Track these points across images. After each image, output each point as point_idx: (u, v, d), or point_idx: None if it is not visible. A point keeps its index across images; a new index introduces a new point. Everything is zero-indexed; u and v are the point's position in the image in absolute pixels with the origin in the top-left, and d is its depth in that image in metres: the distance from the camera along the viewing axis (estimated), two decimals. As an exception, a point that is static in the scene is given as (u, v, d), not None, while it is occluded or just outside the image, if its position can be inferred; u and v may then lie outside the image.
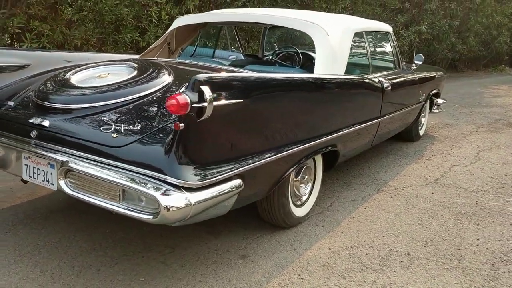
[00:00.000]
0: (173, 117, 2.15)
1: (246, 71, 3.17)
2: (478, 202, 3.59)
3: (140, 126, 2.20)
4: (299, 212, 3.02)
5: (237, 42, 5.14)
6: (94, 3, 5.45)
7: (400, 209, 3.40)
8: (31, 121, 2.41)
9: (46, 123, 2.36)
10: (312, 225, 3.07)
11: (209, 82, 1.90)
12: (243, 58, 4.75)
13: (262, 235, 2.89)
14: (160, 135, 2.12)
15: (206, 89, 1.86)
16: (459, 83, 11.83)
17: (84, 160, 2.16)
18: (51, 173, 2.29)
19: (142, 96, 2.44)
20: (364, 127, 3.51)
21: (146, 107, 2.39)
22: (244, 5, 7.54)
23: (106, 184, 2.06)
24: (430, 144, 5.37)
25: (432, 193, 3.74)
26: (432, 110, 5.69)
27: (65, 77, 2.71)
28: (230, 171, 2.14)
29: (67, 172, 2.20)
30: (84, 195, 2.15)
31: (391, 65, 4.42)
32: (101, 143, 2.17)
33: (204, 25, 4.12)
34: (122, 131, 2.18)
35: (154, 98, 2.46)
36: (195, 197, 1.96)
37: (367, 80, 3.56)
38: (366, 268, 2.57)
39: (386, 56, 4.47)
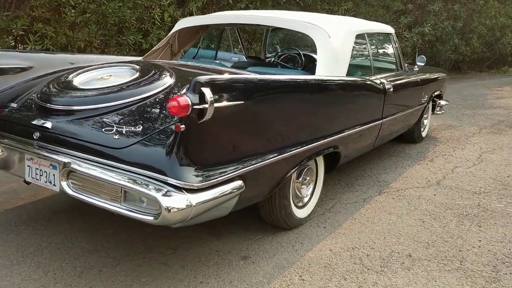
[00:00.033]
0: (175, 119, 2.16)
1: (248, 72, 3.17)
2: (480, 203, 3.59)
3: (141, 127, 2.22)
4: (300, 213, 3.02)
5: (239, 43, 5.15)
6: (97, 5, 5.48)
7: (402, 210, 3.40)
8: (33, 122, 2.43)
9: (48, 124, 2.38)
10: (314, 226, 3.07)
11: (210, 84, 1.91)
12: (246, 60, 4.76)
13: (263, 236, 2.89)
14: (162, 136, 2.14)
15: (207, 91, 1.88)
16: (462, 85, 11.81)
17: (86, 161, 2.18)
18: (54, 174, 2.31)
19: (143, 98, 2.46)
20: (366, 128, 3.52)
21: (147, 109, 2.40)
22: (246, 7, 7.56)
23: (108, 185, 2.08)
24: (432, 145, 5.36)
25: (434, 195, 3.74)
26: (435, 112, 5.68)
27: (67, 79, 2.73)
28: (231, 173, 2.15)
29: (69, 173, 2.22)
30: (86, 196, 2.17)
31: (393, 66, 4.43)
32: (103, 145, 2.18)
33: (206, 27, 4.14)
34: (124, 132, 2.20)
35: (156, 100, 2.47)
36: (196, 198, 1.97)
37: (368, 82, 3.56)
38: (367, 269, 2.57)
39: (388, 58, 4.47)
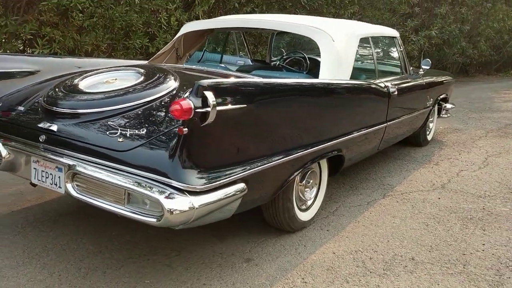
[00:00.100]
0: (178, 122, 2.18)
1: (252, 76, 3.20)
2: (485, 207, 3.58)
3: (145, 130, 2.24)
4: (304, 216, 3.03)
5: (245, 47, 5.18)
6: (104, 10, 5.53)
7: (406, 214, 3.40)
8: (40, 125, 2.47)
9: (54, 127, 2.42)
10: (317, 229, 3.08)
11: (213, 87, 1.94)
12: (251, 64, 4.78)
13: (267, 239, 2.91)
14: (165, 139, 2.16)
15: (209, 95, 1.90)
16: (469, 88, 11.76)
17: (91, 163, 2.21)
18: (59, 177, 2.34)
19: (148, 101, 2.49)
20: (370, 132, 3.52)
21: (151, 112, 2.43)
22: (252, 11, 7.59)
23: (112, 188, 2.11)
24: (438, 149, 5.35)
25: (439, 198, 3.73)
26: (441, 115, 5.66)
27: (73, 82, 2.77)
28: (234, 175, 2.16)
29: (74, 175, 2.25)
30: (90, 198, 2.20)
31: (398, 70, 4.43)
32: (107, 147, 2.21)
33: (212, 31, 4.17)
34: (128, 135, 2.22)
35: (160, 103, 2.50)
36: (198, 201, 1.99)
37: (372, 85, 3.57)
38: (370, 272, 2.57)
39: (393, 61, 4.48)
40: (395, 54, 4.47)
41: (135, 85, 2.64)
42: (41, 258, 2.57)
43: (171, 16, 6.33)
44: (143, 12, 5.96)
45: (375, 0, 10.13)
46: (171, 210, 1.92)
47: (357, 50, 3.53)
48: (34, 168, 2.46)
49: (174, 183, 1.98)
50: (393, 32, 4.49)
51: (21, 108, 2.72)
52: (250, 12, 7.48)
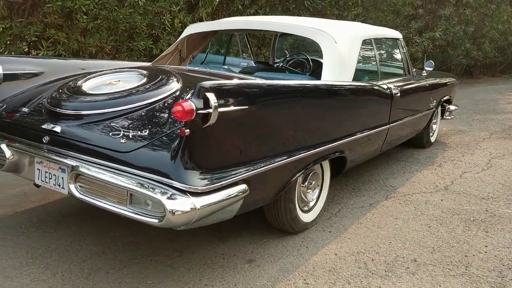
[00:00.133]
0: (180, 123, 2.20)
1: (254, 78, 3.21)
2: (488, 209, 3.57)
3: (147, 132, 2.26)
4: (306, 217, 3.04)
5: (248, 49, 5.19)
6: (108, 12, 5.56)
7: (408, 215, 3.40)
8: (43, 126, 2.49)
9: (57, 128, 2.43)
10: (319, 230, 3.09)
11: (215, 89, 1.95)
12: (254, 65, 4.79)
13: (269, 240, 2.91)
14: (167, 140, 2.17)
15: (211, 96, 1.91)
16: (474, 90, 11.73)
17: (93, 164, 2.22)
18: (62, 178, 2.36)
19: (150, 102, 2.50)
20: (373, 133, 3.52)
21: (154, 114, 2.44)
22: (256, 13, 7.61)
23: (114, 188, 2.12)
24: (441, 150, 5.34)
25: (442, 200, 3.73)
26: (444, 117, 5.66)
27: (77, 84, 2.78)
28: (236, 176, 2.17)
29: (77, 176, 2.26)
30: (93, 198, 2.21)
31: (401, 71, 4.43)
32: (109, 148, 2.23)
33: (215, 32, 4.19)
34: (130, 136, 2.24)
35: (162, 104, 2.51)
36: (200, 202, 2.00)
37: (375, 87, 3.57)
38: (372, 274, 2.58)
39: (396, 63, 4.48)
40: (398, 55, 4.47)
41: (138, 86, 2.66)
42: (44, 259, 2.59)
43: (174, 18, 6.35)
44: (147, 14, 5.98)
45: (378, 2, 10.12)
46: (173, 211, 1.94)
47: (359, 52, 3.53)
48: (38, 169, 2.48)
49: (176, 184, 1.99)
50: (396, 34, 4.49)
51: (25, 109, 2.75)
52: (254, 14, 7.50)
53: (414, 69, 4.79)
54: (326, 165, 3.17)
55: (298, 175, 2.71)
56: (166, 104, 2.52)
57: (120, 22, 5.67)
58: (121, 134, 2.26)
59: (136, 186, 2.05)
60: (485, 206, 3.63)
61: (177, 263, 2.60)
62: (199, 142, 2.01)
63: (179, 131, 1.98)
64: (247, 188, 2.24)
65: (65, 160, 2.32)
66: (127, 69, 3.13)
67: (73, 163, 2.27)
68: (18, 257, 2.60)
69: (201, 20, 6.67)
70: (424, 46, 11.23)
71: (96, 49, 5.65)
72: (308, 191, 3.03)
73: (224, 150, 2.16)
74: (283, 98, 2.50)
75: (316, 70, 4.00)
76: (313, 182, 3.07)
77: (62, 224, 3.02)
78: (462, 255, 2.82)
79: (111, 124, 2.37)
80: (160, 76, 2.80)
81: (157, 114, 2.45)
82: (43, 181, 2.47)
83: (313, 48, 5.27)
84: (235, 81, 2.33)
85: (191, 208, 1.97)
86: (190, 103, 1.88)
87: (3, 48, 5.14)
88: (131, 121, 2.38)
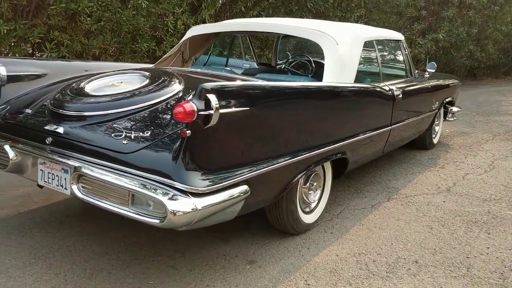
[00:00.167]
0: (181, 125, 2.21)
1: (255, 79, 3.22)
2: (490, 210, 3.57)
3: (149, 133, 2.27)
4: (307, 218, 3.04)
5: (251, 50, 5.21)
6: (112, 14, 5.59)
7: (410, 217, 3.40)
8: (46, 128, 2.51)
9: (60, 130, 2.45)
10: (321, 231, 3.09)
11: (216, 90, 1.96)
12: (257, 67, 4.81)
13: (270, 241, 2.92)
14: (168, 141, 2.19)
15: (212, 97, 1.92)
16: (477, 91, 11.70)
17: (96, 165, 2.24)
18: (65, 178, 2.37)
19: (152, 104, 2.52)
20: (374, 135, 3.53)
21: (156, 115, 2.46)
22: (259, 15, 7.62)
23: (116, 189, 2.13)
24: (444, 152, 5.34)
25: (444, 202, 3.73)
26: (447, 118, 5.65)
27: (79, 85, 2.80)
28: (237, 177, 2.18)
29: (79, 177, 2.28)
30: (95, 199, 2.23)
31: (403, 73, 4.43)
32: (112, 149, 2.24)
33: (217, 34, 4.20)
34: (132, 137, 2.25)
35: (164, 106, 2.53)
36: (201, 202, 2.01)
37: (377, 88, 3.58)
38: (373, 275, 2.58)
39: (398, 64, 4.48)
40: (400, 57, 4.47)
41: (140, 88, 2.67)
42: (47, 259, 2.61)
43: (178, 20, 6.38)
44: (150, 16, 6.01)
45: (381, 4, 10.12)
46: (174, 211, 1.95)
47: (361, 54, 3.54)
48: (41, 170, 2.50)
49: (177, 185, 2.00)
50: (398, 35, 4.49)
51: (28, 110, 2.77)
52: (257, 16, 7.52)
53: (416, 71, 4.79)
54: (328, 166, 3.18)
55: (299, 176, 2.72)
56: (168, 106, 2.53)
57: (124, 24, 5.70)
58: (123, 135, 2.28)
59: (138, 187, 2.06)
60: (487, 207, 3.63)
61: (179, 263, 2.61)
62: (201, 143, 2.02)
63: (180, 132, 1.99)
64: (248, 189, 2.25)
65: (67, 161, 2.33)
66: (130, 70, 3.14)
67: (76, 164, 2.29)
68: (21, 257, 2.62)
69: (204, 22, 6.69)
70: (427, 48, 11.20)
71: (99, 50, 5.69)
72: (309, 192, 3.04)
73: (226, 151, 2.17)
74: (284, 100, 2.51)
75: (318, 72, 4.00)
76: (315, 184, 3.07)
77: (65, 225, 3.04)
78: (464, 256, 2.82)
79: (113, 125, 2.38)
80: (162, 78, 2.81)
81: (159, 115, 2.47)
82: (46, 182, 2.49)
83: (315, 49, 5.28)
84: (236, 83, 2.34)
85: (192, 209, 1.98)
86: (192, 104, 1.89)
87: (7, 50, 5.17)
88: (133, 122, 2.40)
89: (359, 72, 3.46)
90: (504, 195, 3.92)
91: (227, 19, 7.15)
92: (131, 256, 2.67)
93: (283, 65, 4.51)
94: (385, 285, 2.48)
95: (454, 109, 5.65)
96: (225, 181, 2.12)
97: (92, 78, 2.94)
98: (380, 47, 4.01)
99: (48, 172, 2.45)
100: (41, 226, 3.00)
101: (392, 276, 2.57)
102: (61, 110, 2.56)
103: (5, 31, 4.73)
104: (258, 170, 2.31)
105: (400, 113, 3.95)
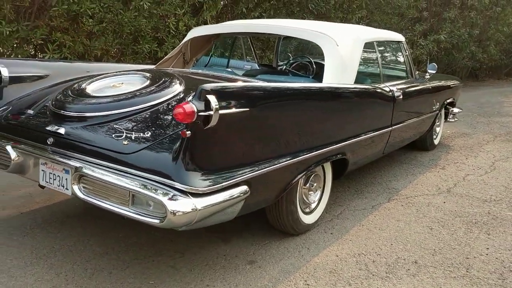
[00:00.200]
0: (181, 125, 2.22)
1: (256, 80, 3.23)
2: (490, 211, 3.57)
3: (150, 133, 2.29)
4: (307, 219, 3.05)
5: (252, 52, 5.22)
6: (114, 15, 5.61)
7: (410, 217, 3.40)
8: (48, 128, 2.53)
9: (62, 130, 2.47)
10: (321, 232, 3.10)
11: (216, 91, 1.98)
12: (258, 68, 4.82)
13: (270, 241, 2.93)
14: (169, 142, 2.20)
15: (212, 98, 1.94)
16: (479, 92, 11.70)
17: (97, 166, 2.26)
18: (66, 179, 2.39)
19: (153, 105, 2.53)
20: (375, 135, 3.54)
21: (156, 116, 2.47)
22: (260, 16, 7.64)
23: (117, 189, 2.15)
24: (445, 153, 5.34)
25: (444, 202, 3.73)
26: (448, 119, 5.66)
27: (81, 86, 2.82)
28: (237, 178, 2.20)
29: (80, 177, 2.29)
30: (96, 199, 2.24)
31: (403, 74, 4.44)
32: (112, 150, 2.26)
33: (218, 35, 4.22)
34: (133, 138, 2.27)
35: (164, 107, 2.54)
36: (201, 203, 2.03)
37: (377, 89, 3.59)
38: (373, 275, 2.59)
39: (398, 66, 4.49)
40: (400, 58, 4.48)
41: (141, 89, 2.69)
42: (48, 259, 2.62)
43: (179, 21, 6.40)
44: (151, 17, 6.03)
45: (383, 5, 10.12)
46: (174, 211, 1.96)
47: (361, 55, 3.55)
48: (42, 170, 2.51)
49: (177, 185, 2.01)
50: (398, 37, 4.50)
51: (30, 111, 2.78)
52: (258, 17, 7.54)
53: (417, 72, 4.80)
54: (328, 167, 3.19)
55: (299, 177, 2.73)
56: (168, 107, 2.54)
57: (125, 25, 5.72)
58: (123, 136, 2.29)
59: (138, 187, 2.07)
60: (488, 208, 3.63)
61: (179, 263, 2.63)
62: (201, 143, 2.04)
63: (180, 132, 2.01)
64: (248, 189, 2.26)
65: (69, 162, 2.35)
66: (131, 71, 3.16)
67: (77, 164, 2.30)
68: (22, 257, 2.63)
69: (205, 23, 6.71)
70: (429, 49, 11.21)
71: (101, 52, 5.71)
72: (309, 193, 3.05)
73: (226, 152, 2.19)
74: (284, 101, 2.53)
75: (319, 73, 4.01)
76: (315, 184, 3.08)
77: (66, 225, 3.05)
78: (464, 257, 2.83)
79: (114, 126, 2.40)
80: (163, 79, 2.83)
81: (160, 116, 2.48)
82: (47, 182, 2.50)
83: (316, 51, 5.29)
84: (237, 84, 2.35)
85: (192, 209, 2.00)
86: (191, 105, 1.91)
87: (10, 51, 5.20)
88: (134, 123, 2.41)
89: (359, 73, 3.47)
90: (505, 196, 3.92)
91: (229, 20, 7.17)
92: (131, 256, 2.68)
93: (284, 66, 4.53)
94: (385, 285, 2.49)
95: (455, 110, 5.65)
96: (225, 182, 2.13)
97: (93, 79, 2.96)
98: (380, 48, 4.02)
99: (50, 173, 2.47)
100: (43, 226, 3.02)
101: (391, 276, 2.58)
102: (63, 111, 2.58)
103: (8, 32, 4.75)
104: (258, 170, 2.32)
105: (401, 114, 3.95)
